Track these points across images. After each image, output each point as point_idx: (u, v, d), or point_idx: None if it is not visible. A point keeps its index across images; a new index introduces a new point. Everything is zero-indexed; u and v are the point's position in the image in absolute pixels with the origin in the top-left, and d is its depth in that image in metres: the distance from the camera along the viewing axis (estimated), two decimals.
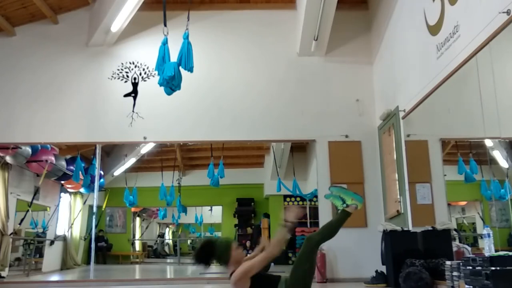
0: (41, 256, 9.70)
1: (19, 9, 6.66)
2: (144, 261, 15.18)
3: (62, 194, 10.42)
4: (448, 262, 3.85)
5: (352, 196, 3.44)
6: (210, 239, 3.25)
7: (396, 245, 4.79)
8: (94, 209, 7.86)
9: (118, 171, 12.09)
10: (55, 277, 8.24)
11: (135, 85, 6.82)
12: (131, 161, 11.74)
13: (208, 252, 3.12)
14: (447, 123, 5.06)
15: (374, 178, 6.42)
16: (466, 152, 5.09)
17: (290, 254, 12.49)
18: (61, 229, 10.31)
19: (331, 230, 3.38)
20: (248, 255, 3.40)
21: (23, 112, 6.71)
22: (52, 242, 9.86)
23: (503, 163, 4.40)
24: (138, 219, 16.72)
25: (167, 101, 5.97)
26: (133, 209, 14.45)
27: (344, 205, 3.43)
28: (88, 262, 10.67)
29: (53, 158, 8.39)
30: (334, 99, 6.77)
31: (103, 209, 13.12)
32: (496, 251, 3.49)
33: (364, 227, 6.21)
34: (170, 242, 22.30)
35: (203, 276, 6.78)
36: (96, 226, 9.07)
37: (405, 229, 5.12)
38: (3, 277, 7.21)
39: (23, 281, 7.14)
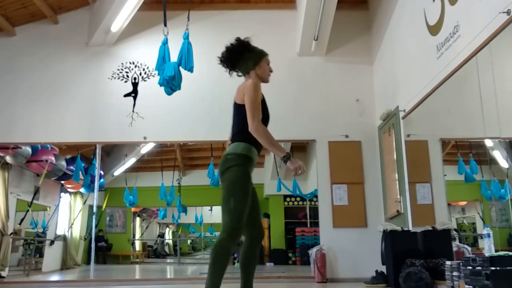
0: (41, 256, 9.70)
1: (19, 9, 6.65)
2: (144, 261, 15.19)
3: (62, 194, 10.43)
4: (448, 262, 3.85)
5: None
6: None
7: (396, 245, 4.79)
8: (94, 209, 7.85)
9: (118, 171, 12.11)
10: (55, 277, 8.23)
11: (135, 85, 6.82)
12: (131, 161, 11.75)
13: (244, 47, 2.86)
14: (447, 123, 5.06)
15: (374, 178, 6.42)
16: (466, 152, 5.09)
17: (290, 254, 12.52)
18: (61, 229, 10.32)
19: None
20: None
21: (23, 112, 6.70)
22: (52, 242, 9.87)
23: (503, 163, 4.40)
24: (138, 219, 16.75)
25: (167, 101, 5.99)
26: (133, 209, 14.48)
27: None
28: (88, 262, 10.68)
29: (53, 158, 8.40)
30: (334, 99, 6.77)
31: (103, 209, 13.14)
32: (496, 251, 3.49)
33: (364, 227, 6.21)
34: (170, 242, 22.34)
35: (203, 276, 6.76)
36: (96, 226, 9.07)
37: (405, 229, 5.12)
38: (3, 277, 7.21)
39: (23, 281, 7.14)
